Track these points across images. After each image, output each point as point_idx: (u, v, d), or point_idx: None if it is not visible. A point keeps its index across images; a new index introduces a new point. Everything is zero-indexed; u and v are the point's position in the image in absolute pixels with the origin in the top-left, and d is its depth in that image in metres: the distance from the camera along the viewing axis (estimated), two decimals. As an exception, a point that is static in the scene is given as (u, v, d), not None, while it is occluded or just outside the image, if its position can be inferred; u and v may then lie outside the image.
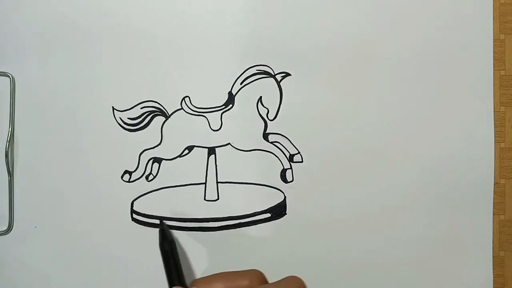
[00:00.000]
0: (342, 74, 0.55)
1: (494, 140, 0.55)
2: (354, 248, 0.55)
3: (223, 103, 0.55)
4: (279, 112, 0.55)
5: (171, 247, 0.42)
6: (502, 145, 0.56)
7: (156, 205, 0.55)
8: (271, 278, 0.55)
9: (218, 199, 0.55)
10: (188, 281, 0.55)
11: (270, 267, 0.55)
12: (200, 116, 0.55)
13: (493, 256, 0.55)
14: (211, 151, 0.55)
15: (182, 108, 0.55)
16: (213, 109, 0.55)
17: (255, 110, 0.56)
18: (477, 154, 0.55)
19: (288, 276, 0.31)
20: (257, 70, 0.55)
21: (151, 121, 0.55)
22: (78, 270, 0.55)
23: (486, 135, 0.55)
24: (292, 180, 0.55)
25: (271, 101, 0.55)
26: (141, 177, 0.55)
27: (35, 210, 0.55)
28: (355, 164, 0.55)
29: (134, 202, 0.55)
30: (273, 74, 0.55)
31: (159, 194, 0.55)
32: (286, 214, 0.55)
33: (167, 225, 0.55)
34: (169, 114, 0.55)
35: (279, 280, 0.31)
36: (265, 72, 0.55)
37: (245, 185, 0.55)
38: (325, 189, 0.55)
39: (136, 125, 0.55)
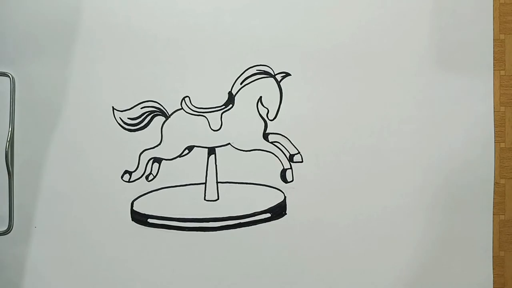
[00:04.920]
0: (342, 74, 0.55)
1: (494, 140, 0.55)
2: (354, 248, 0.55)
3: (223, 103, 0.55)
4: (279, 112, 0.55)
5: None
6: (502, 145, 0.56)
7: (156, 205, 0.55)
8: (271, 278, 0.55)
9: (218, 199, 0.55)
10: (188, 280, 0.56)
11: (270, 267, 0.55)
12: (200, 116, 0.55)
13: (493, 256, 0.55)
14: (211, 151, 0.55)
15: (182, 108, 0.55)
16: (213, 109, 0.55)
17: (255, 110, 0.56)
18: (477, 154, 0.55)
19: None
20: (257, 70, 0.55)
21: (151, 121, 0.55)
22: (78, 270, 0.55)
23: (486, 135, 0.55)
24: (292, 180, 0.55)
25: (271, 101, 0.55)
26: (141, 177, 0.55)
27: (35, 210, 0.55)
28: (355, 164, 0.55)
29: (134, 202, 0.55)
30: (273, 74, 0.55)
31: (159, 194, 0.55)
32: (286, 214, 0.55)
33: (168, 225, 0.55)
34: (169, 114, 0.55)
35: None
36: (265, 72, 0.55)
37: (245, 185, 0.55)
38: (325, 189, 0.55)
39: (136, 125, 0.55)
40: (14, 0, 0.55)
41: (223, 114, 0.55)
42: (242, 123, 0.55)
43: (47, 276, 0.55)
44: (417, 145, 0.55)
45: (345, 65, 0.55)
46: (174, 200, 0.55)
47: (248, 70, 0.55)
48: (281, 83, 0.55)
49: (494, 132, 0.55)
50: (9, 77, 0.55)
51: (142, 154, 0.55)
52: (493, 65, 0.55)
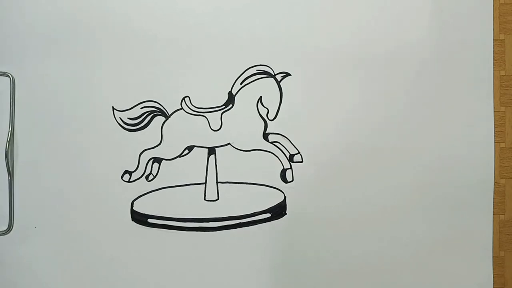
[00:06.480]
0: (342, 74, 0.55)
1: (494, 140, 0.55)
2: (354, 248, 0.55)
3: (223, 103, 0.55)
4: (279, 112, 0.55)
5: None
6: (502, 145, 0.56)
7: (156, 205, 0.55)
8: (271, 278, 0.55)
9: (218, 199, 0.55)
10: (188, 280, 0.56)
11: (270, 267, 0.55)
12: (200, 116, 0.55)
13: (493, 256, 0.55)
14: (211, 151, 0.55)
15: (182, 108, 0.55)
16: (213, 109, 0.55)
17: (255, 110, 0.56)
18: (477, 154, 0.55)
19: None
20: (257, 70, 0.55)
21: (151, 121, 0.55)
22: (78, 270, 0.55)
23: (486, 135, 0.55)
24: (292, 180, 0.55)
25: (271, 101, 0.55)
26: (141, 177, 0.55)
27: (35, 210, 0.55)
28: (355, 164, 0.55)
29: (134, 202, 0.55)
30: (273, 74, 0.55)
31: (159, 194, 0.55)
32: (286, 214, 0.55)
33: (168, 225, 0.55)
34: (169, 114, 0.55)
35: None
36: (265, 72, 0.55)
37: (245, 185, 0.55)
38: (325, 189, 0.55)
39: (136, 125, 0.55)
40: (14, 0, 0.55)
41: (223, 114, 0.55)
42: (242, 123, 0.55)
43: (47, 276, 0.55)
44: (417, 145, 0.55)
45: (345, 65, 0.55)
46: (174, 200, 0.55)
47: (248, 70, 0.55)
48: (281, 83, 0.55)
49: (494, 132, 0.55)
50: (9, 77, 0.55)
51: (142, 154, 0.55)
52: (493, 65, 0.55)
